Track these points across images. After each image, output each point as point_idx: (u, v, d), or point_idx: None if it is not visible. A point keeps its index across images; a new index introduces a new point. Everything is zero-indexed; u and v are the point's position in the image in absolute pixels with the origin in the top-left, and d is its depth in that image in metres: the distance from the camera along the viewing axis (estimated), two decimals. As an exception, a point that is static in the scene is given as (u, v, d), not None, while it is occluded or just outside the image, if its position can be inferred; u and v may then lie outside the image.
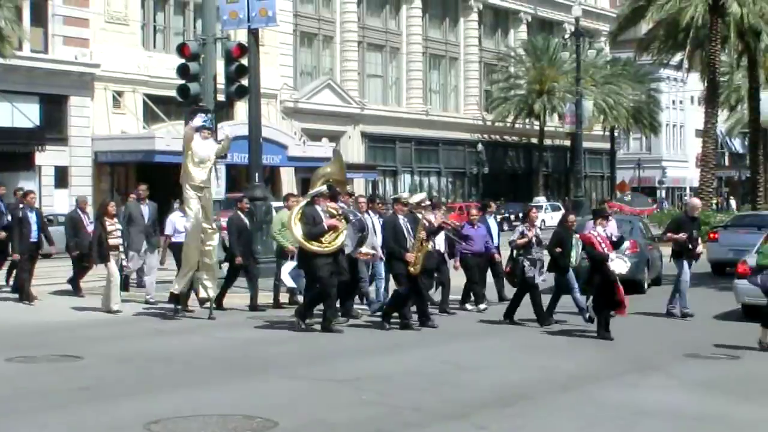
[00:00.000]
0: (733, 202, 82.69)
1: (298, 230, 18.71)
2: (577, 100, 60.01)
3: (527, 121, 77.86)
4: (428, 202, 20.76)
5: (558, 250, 20.04)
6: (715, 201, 61.23)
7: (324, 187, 19.31)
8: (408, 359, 16.32)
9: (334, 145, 58.05)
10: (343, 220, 18.94)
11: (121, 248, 21.60)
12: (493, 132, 78.18)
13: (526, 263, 19.79)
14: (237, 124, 43.21)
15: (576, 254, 20.04)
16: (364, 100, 68.06)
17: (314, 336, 18.66)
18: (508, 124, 76.78)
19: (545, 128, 77.16)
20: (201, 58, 26.00)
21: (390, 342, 18.03)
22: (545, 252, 20.35)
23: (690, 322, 20.96)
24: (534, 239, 19.94)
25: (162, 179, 37.40)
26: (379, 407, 12.51)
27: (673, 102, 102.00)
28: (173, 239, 21.88)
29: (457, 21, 77.56)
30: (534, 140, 78.87)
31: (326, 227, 18.56)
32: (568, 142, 75.85)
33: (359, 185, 63.22)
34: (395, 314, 19.59)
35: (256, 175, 27.77)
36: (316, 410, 12.23)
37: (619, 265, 18.39)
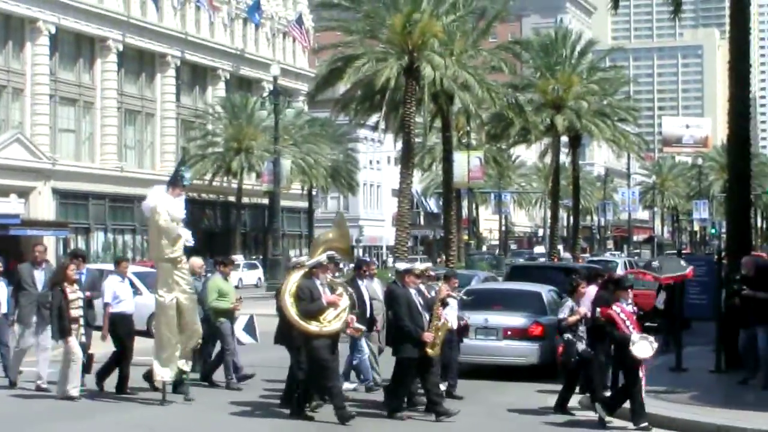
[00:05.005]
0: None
1: (292, 308, 16.23)
2: (275, 159, 59.85)
3: (225, 179, 77.26)
4: (432, 272, 18.39)
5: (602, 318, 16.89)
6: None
7: (324, 257, 16.81)
8: (100, 425, 15.87)
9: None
10: (345, 296, 16.63)
11: (81, 321, 18.03)
12: (191, 190, 76.78)
13: (578, 341, 17.36)
14: None
15: None
16: (56, 156, 65.82)
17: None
18: (206, 182, 75.91)
19: (243, 186, 76.77)
20: None
21: (85, 408, 17.20)
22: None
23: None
24: (584, 317, 17.40)
25: None
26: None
27: (371, 162, 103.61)
28: (112, 310, 18.69)
29: (153, 76, 76.36)
30: (232, 198, 78.31)
31: (325, 304, 16.22)
32: (266, 201, 75.58)
33: (49, 243, 60.79)
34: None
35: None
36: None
37: (642, 348, 16.09)
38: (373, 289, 19.45)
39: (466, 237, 74.09)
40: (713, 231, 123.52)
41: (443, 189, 61.89)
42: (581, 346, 17.47)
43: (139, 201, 71.04)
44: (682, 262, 19.96)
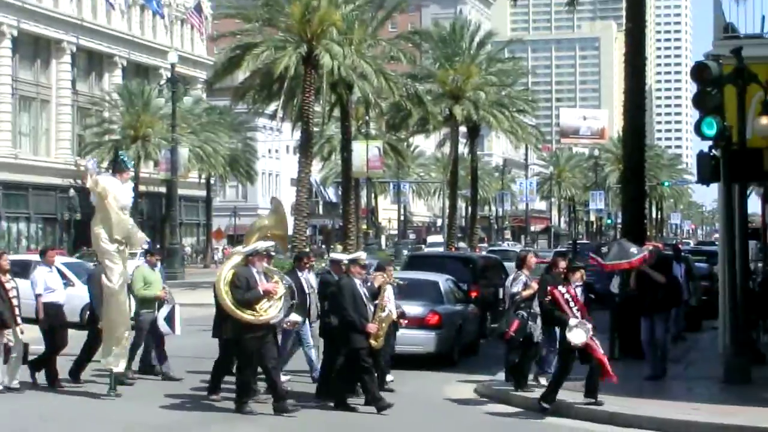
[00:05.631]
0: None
1: (227, 296, 15.94)
2: (172, 147, 59.34)
3: (122, 167, 76.32)
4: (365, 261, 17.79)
5: (548, 298, 17.11)
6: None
7: (261, 244, 16.56)
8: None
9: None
10: (281, 284, 16.36)
11: (17, 311, 17.67)
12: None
13: (530, 319, 17.66)
14: None
15: None
16: (-52, 142, 64.63)
17: None
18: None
19: (140, 174, 75.90)
20: None
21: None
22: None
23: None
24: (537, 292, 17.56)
25: None
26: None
27: (269, 151, 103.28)
28: (42, 300, 18.32)
29: (49, 63, 75.18)
30: (129, 187, 77.41)
31: (262, 292, 15.98)
32: (163, 189, 74.83)
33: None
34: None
35: None
36: None
37: (577, 334, 16.14)
38: (310, 281, 19.30)
39: (364, 226, 74.12)
40: (609, 221, 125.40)
41: (342, 178, 61.82)
42: (534, 326, 17.69)
43: (34, 189, 70.61)
44: (633, 249, 19.93)
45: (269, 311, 16.06)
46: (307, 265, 19.59)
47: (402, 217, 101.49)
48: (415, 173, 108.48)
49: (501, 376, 20.04)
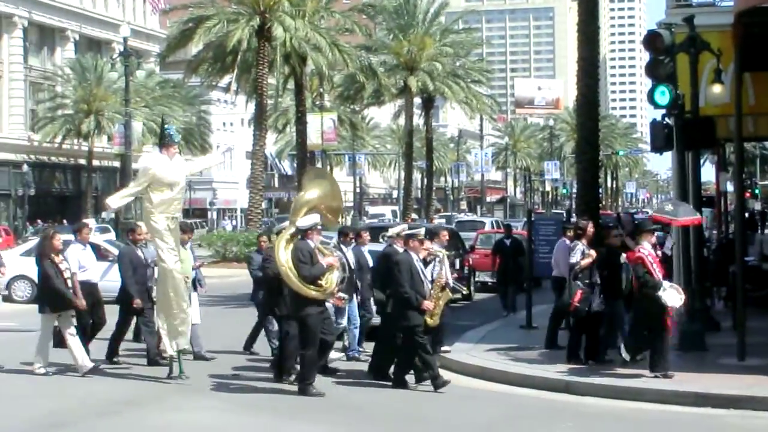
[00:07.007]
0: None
1: (291, 273, 15.48)
2: (126, 121, 58.85)
3: (75, 141, 75.78)
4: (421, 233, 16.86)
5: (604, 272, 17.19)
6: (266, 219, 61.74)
7: (318, 217, 15.95)
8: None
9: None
10: (336, 257, 15.95)
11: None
12: (40, 153, 75.47)
13: (588, 291, 17.40)
14: None
15: (625, 278, 17.28)
16: None
17: None
18: (56, 145, 74.40)
19: (94, 149, 75.41)
20: None
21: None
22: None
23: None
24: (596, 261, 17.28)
25: None
26: None
27: (224, 124, 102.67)
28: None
29: (0, 38, 74.33)
30: (83, 161, 76.86)
31: (326, 266, 15.56)
32: (118, 163, 74.32)
33: None
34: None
35: None
36: None
37: (672, 296, 15.90)
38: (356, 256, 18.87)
39: (320, 199, 73.83)
40: (564, 191, 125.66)
41: (297, 151, 61.64)
42: (596, 300, 17.46)
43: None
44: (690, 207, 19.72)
45: (330, 285, 15.69)
46: (352, 240, 19.11)
47: (358, 190, 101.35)
48: (370, 145, 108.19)
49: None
